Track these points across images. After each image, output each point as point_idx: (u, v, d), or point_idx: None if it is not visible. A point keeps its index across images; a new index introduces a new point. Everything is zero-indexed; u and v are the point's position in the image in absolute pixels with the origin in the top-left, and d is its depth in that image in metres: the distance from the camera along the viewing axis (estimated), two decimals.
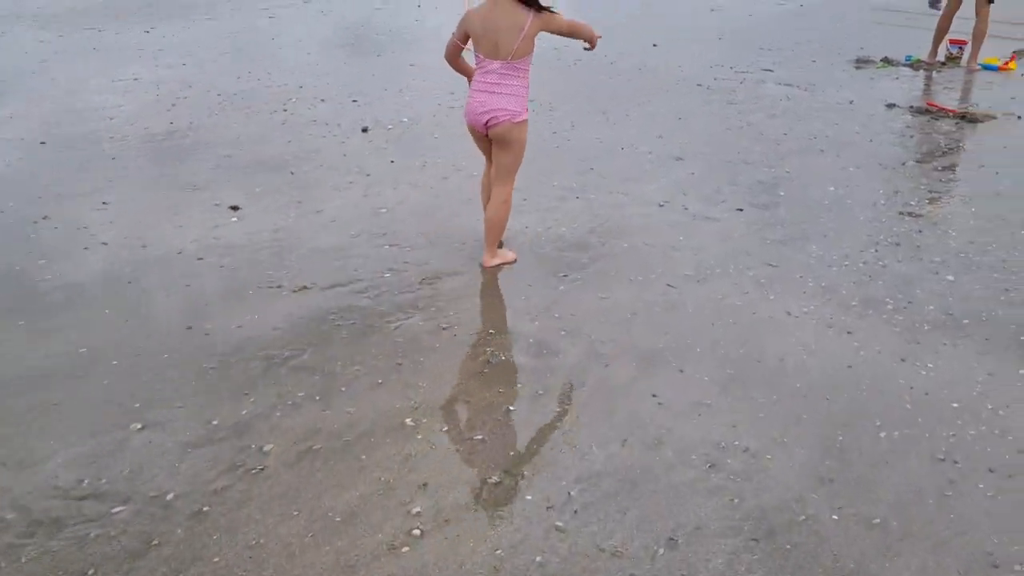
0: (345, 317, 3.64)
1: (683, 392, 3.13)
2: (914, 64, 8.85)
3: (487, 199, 4.02)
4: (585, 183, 5.20)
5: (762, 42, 9.85)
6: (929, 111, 6.92)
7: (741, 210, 4.84)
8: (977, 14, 8.53)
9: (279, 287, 3.90)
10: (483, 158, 4.13)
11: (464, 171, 5.35)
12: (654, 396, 3.10)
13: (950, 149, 6.02)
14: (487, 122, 3.65)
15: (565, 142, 6.01)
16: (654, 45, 9.49)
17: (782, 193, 5.10)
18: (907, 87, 7.94)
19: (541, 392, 3.14)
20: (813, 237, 4.48)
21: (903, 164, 5.66)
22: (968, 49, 8.78)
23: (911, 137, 6.28)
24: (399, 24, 10.73)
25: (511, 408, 3.04)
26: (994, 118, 6.80)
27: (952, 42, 9.05)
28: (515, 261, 4.06)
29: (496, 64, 3.59)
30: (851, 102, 7.20)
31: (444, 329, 3.55)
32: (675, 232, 4.53)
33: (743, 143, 6.05)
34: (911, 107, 7.06)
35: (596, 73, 8.13)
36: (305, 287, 3.90)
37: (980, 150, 5.97)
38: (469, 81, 3.79)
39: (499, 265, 4.03)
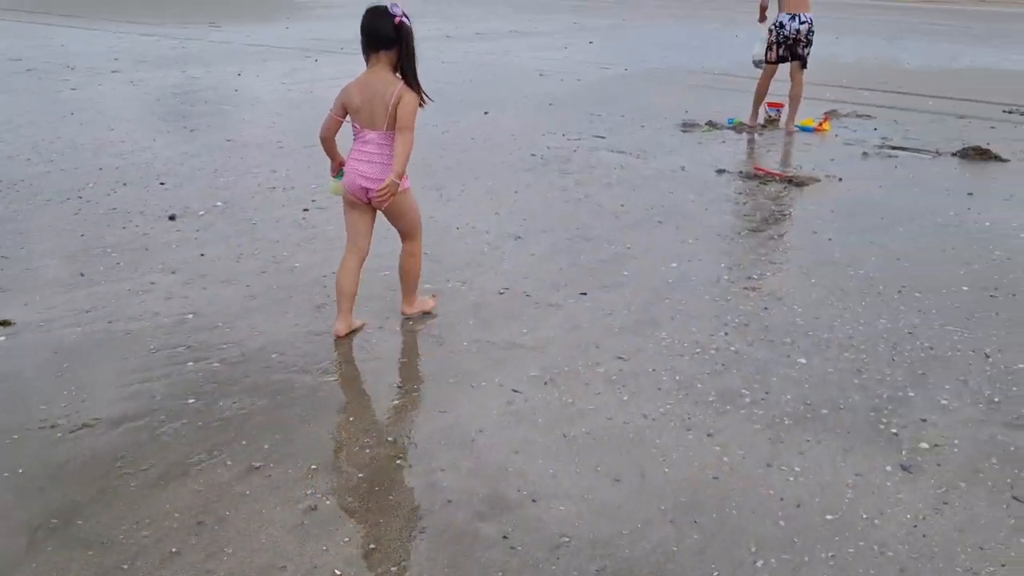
0: (135, 463, 3.01)
1: (539, 532, 2.70)
2: (737, 127, 9.05)
3: (345, 297, 3.82)
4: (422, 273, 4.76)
5: (592, 108, 9.85)
6: (758, 176, 6.98)
7: (585, 294, 4.54)
8: (792, 78, 8.84)
9: (53, 427, 3.22)
10: (343, 239, 3.90)
11: (284, 263, 4.81)
12: (505, 539, 2.67)
13: (783, 216, 6.02)
14: (368, 192, 3.59)
15: None
16: (485, 112, 9.29)
17: (626, 272, 4.86)
18: (733, 150, 8.05)
19: (373, 546, 2.64)
20: (662, 321, 4.23)
21: (740, 234, 5.59)
22: (785, 111, 9.06)
23: (744, 204, 6.25)
24: (216, 95, 10.05)
25: (337, 572, 2.52)
26: (818, 180, 6.92)
27: (770, 105, 9.34)
28: (433, 308, 4.14)
29: (373, 134, 3.55)
30: (683, 168, 7.18)
31: (256, 469, 2.99)
32: (518, 325, 4.17)
33: (582, 217, 5.82)
34: (740, 172, 7.11)
35: (429, 145, 7.78)
36: (87, 424, 3.24)
37: (810, 216, 6.00)
38: (332, 164, 3.78)
39: (418, 313, 4.08)
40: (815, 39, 8.80)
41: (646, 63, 14.07)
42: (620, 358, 3.84)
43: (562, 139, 8.13)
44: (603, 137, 8.31)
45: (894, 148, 8.29)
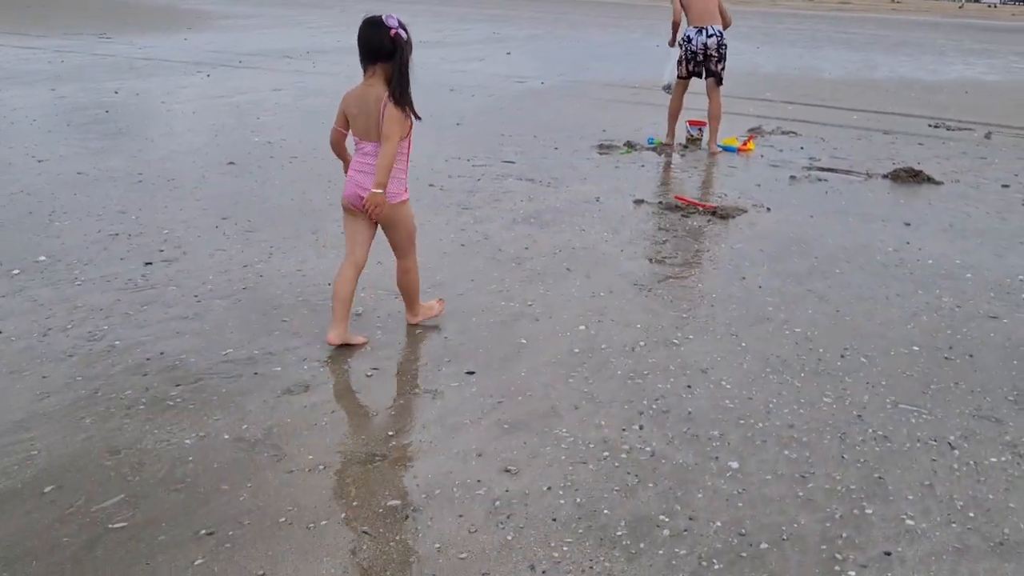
0: None
1: None
2: (657, 147, 8.33)
3: (341, 305, 3.69)
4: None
5: (503, 127, 9.03)
6: (679, 207, 6.23)
7: (473, 373, 3.68)
8: (709, 96, 8.17)
9: None
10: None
11: (100, 341, 3.83)
12: None
13: (708, 258, 5.28)
14: (364, 201, 3.50)
15: (270, 279, 4.63)
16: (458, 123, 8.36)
17: (524, 340, 4.02)
18: (653, 176, 7.32)
19: None
20: (563, 410, 3.40)
21: (659, 282, 4.81)
22: (707, 131, 8.38)
23: (664, 243, 5.49)
24: (82, 118, 8.92)
25: None
26: (744, 211, 6.21)
27: (692, 123, 8.65)
28: (441, 311, 4.12)
29: (370, 147, 3.52)
30: (597, 199, 6.39)
31: None
32: (382, 427, 3.28)
33: (478, 265, 4.97)
34: (660, 203, 6.35)
35: (309, 177, 6.85)
36: None
37: (738, 257, 5.26)
38: (346, 168, 3.69)
39: (424, 319, 4.02)
40: (730, 52, 8.13)
41: (565, 76, 13.34)
42: (507, 470, 2.98)
43: (466, 166, 7.28)
44: (512, 162, 7.48)
45: (822, 170, 7.67)
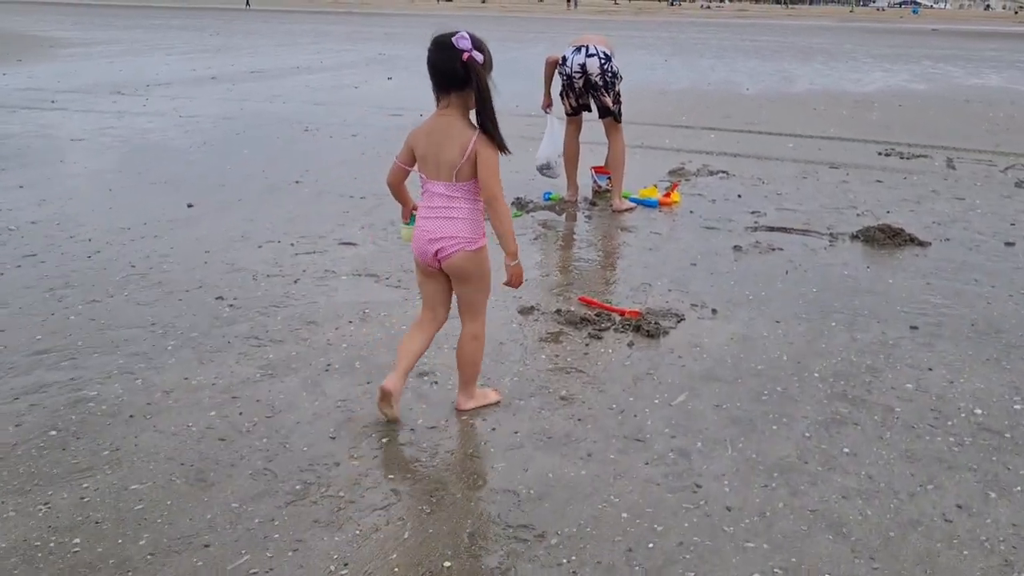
0: None
1: None
2: (555, 205, 6.23)
3: (407, 356, 3.05)
4: None
5: (356, 185, 6.84)
6: (585, 317, 4.09)
7: None
8: (608, 137, 6.12)
9: None
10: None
11: None
12: None
13: (634, 439, 3.13)
14: (436, 253, 2.91)
15: None
16: (189, 206, 6.07)
17: None
18: (548, 258, 5.18)
19: None
20: None
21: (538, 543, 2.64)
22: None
23: (560, 407, 3.32)
24: None
25: None
26: (679, 318, 4.13)
27: (597, 171, 6.59)
28: (499, 402, 3.22)
29: (441, 187, 2.90)
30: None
31: None
32: None
33: (243, 482, 2.72)
34: (557, 311, 4.20)
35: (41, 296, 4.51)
36: None
37: (683, 433, 3.16)
38: (404, 210, 3.17)
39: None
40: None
41: None
42: None
43: (286, 254, 5.01)
44: (355, 244, 5.25)
45: (773, 230, 5.67)
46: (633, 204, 6.25)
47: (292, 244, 5.21)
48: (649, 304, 4.31)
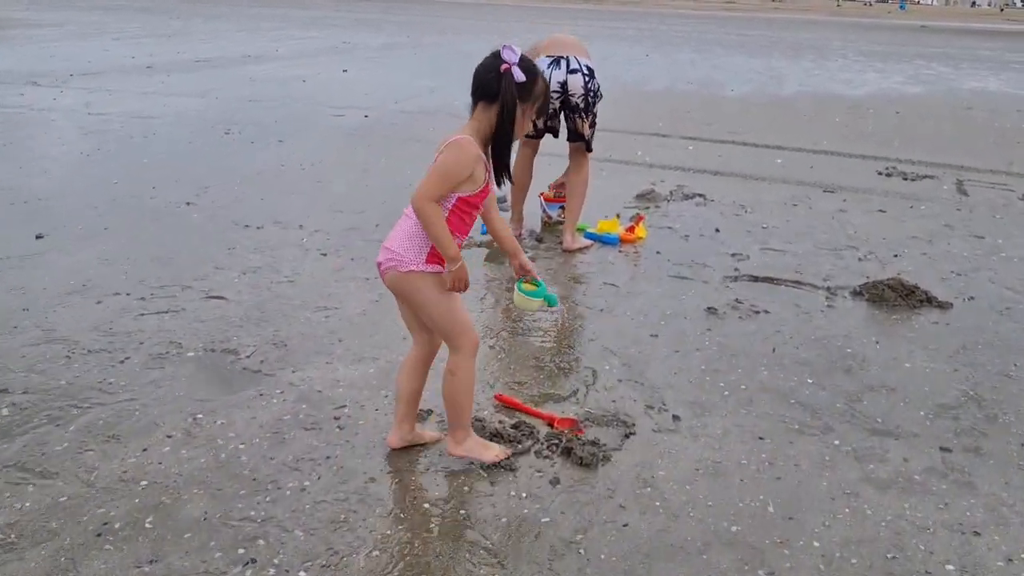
0: None
1: None
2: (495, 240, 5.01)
3: (404, 400, 2.78)
4: None
5: (264, 212, 5.63)
6: (500, 433, 2.94)
7: None
8: (571, 161, 4.96)
9: None
10: None
11: None
12: None
13: None
14: (379, 265, 2.62)
15: None
16: (39, 237, 4.87)
17: None
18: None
19: None
20: None
21: None
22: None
23: None
24: None
25: None
26: (630, 429, 3.00)
27: (548, 199, 5.44)
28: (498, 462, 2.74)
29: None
30: (342, 412, 3.04)
31: None
32: None
33: None
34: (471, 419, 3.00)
35: None
36: None
37: None
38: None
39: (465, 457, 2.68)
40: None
41: (402, 103, 9.97)
42: None
43: (125, 320, 3.85)
44: (223, 298, 4.07)
45: (756, 279, 4.54)
46: (589, 241, 5.10)
47: (142, 299, 4.02)
48: (590, 404, 3.17)
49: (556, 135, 4.92)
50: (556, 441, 2.89)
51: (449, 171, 2.49)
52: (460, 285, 2.55)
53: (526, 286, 2.77)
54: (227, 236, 4.99)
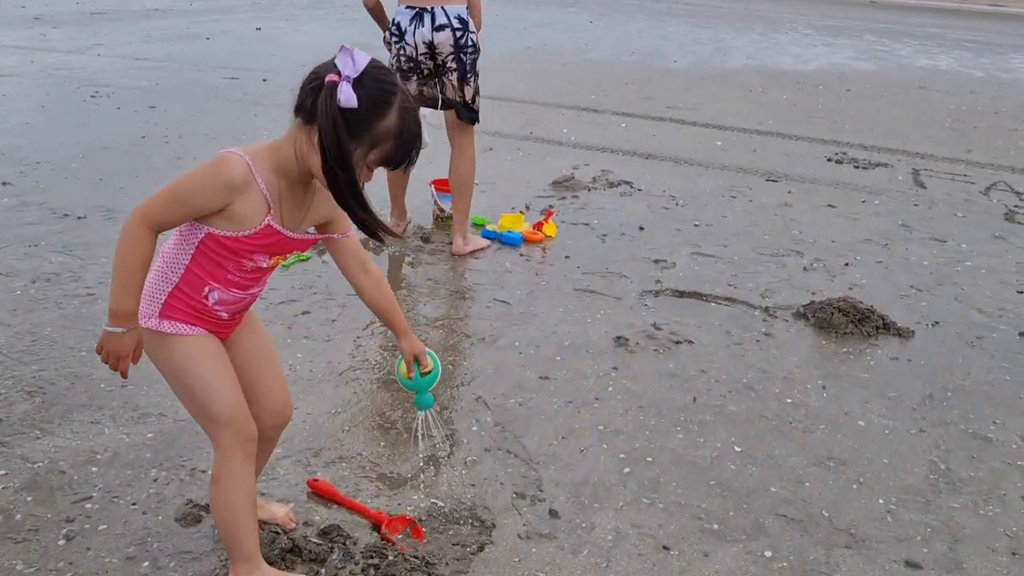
0: None
1: None
2: (369, 240, 4.05)
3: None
4: None
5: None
6: (297, 549, 2.01)
7: None
8: (453, 144, 3.99)
9: None
10: None
11: None
12: None
13: None
14: None
15: None
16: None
17: None
18: (300, 371, 3.08)
19: None
20: None
21: None
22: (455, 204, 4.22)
23: None
24: None
25: None
26: (481, 545, 2.09)
27: (439, 187, 4.49)
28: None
29: None
30: (72, 517, 2.09)
31: None
32: None
33: None
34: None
35: None
36: None
37: None
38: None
39: None
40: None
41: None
42: None
43: None
44: None
45: (682, 295, 3.70)
46: (486, 242, 4.18)
47: None
48: (441, 490, 2.29)
49: (436, 106, 3.97)
50: (376, 562, 1.99)
51: (183, 191, 1.63)
52: (112, 361, 1.64)
53: (404, 368, 1.95)
54: (33, 229, 3.97)
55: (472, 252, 4.08)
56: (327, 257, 3.93)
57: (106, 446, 2.38)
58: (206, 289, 1.71)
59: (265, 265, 1.76)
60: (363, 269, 1.88)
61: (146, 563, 1.95)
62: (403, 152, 1.66)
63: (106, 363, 1.65)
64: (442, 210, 4.46)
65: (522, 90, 8.33)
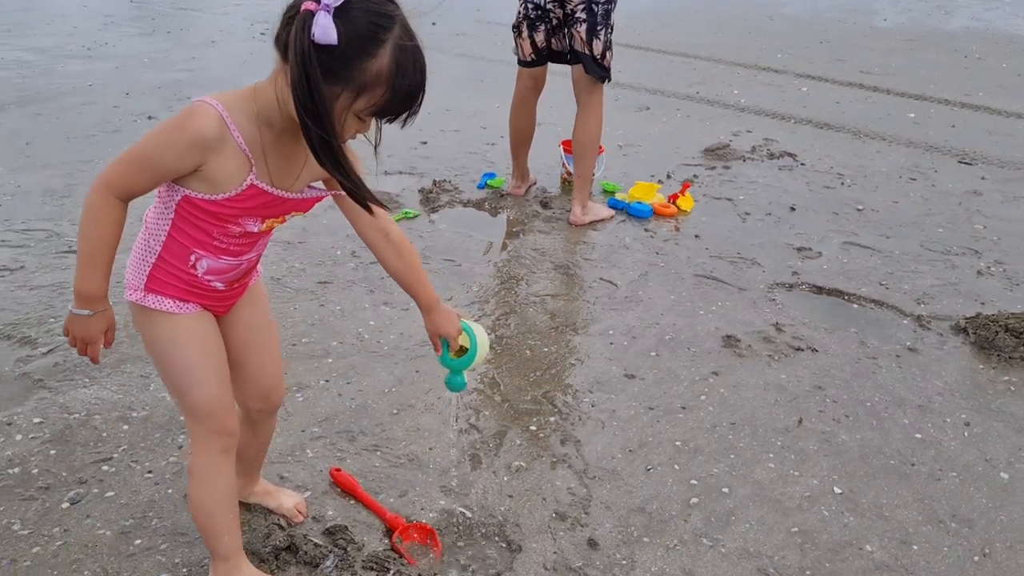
0: None
1: None
2: (487, 199, 3.91)
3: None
4: None
5: None
6: (293, 548, 1.85)
7: None
8: (580, 103, 3.63)
9: None
10: None
11: None
12: None
13: None
14: None
15: None
16: None
17: None
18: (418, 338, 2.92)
19: None
20: None
21: None
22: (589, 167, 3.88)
23: None
24: None
25: None
26: (506, 563, 1.83)
27: (568, 149, 4.18)
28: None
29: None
30: (85, 479, 2.06)
31: None
32: None
33: None
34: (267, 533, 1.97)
35: None
36: None
37: None
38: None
39: None
40: (612, 5, 3.58)
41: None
42: None
43: None
44: None
45: (819, 291, 3.23)
46: (610, 211, 3.84)
47: None
48: (472, 496, 2.06)
49: (565, 60, 3.63)
50: (373, 575, 1.79)
51: (146, 154, 1.42)
52: (80, 346, 1.51)
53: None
54: None
55: (592, 223, 3.75)
56: (436, 217, 3.74)
57: (145, 403, 2.32)
58: (192, 258, 1.53)
59: (256, 230, 1.54)
60: (381, 232, 1.62)
61: (138, 540, 1.85)
62: (398, 102, 1.35)
63: (74, 347, 1.51)
64: (570, 173, 4.15)
65: (695, 44, 7.73)
